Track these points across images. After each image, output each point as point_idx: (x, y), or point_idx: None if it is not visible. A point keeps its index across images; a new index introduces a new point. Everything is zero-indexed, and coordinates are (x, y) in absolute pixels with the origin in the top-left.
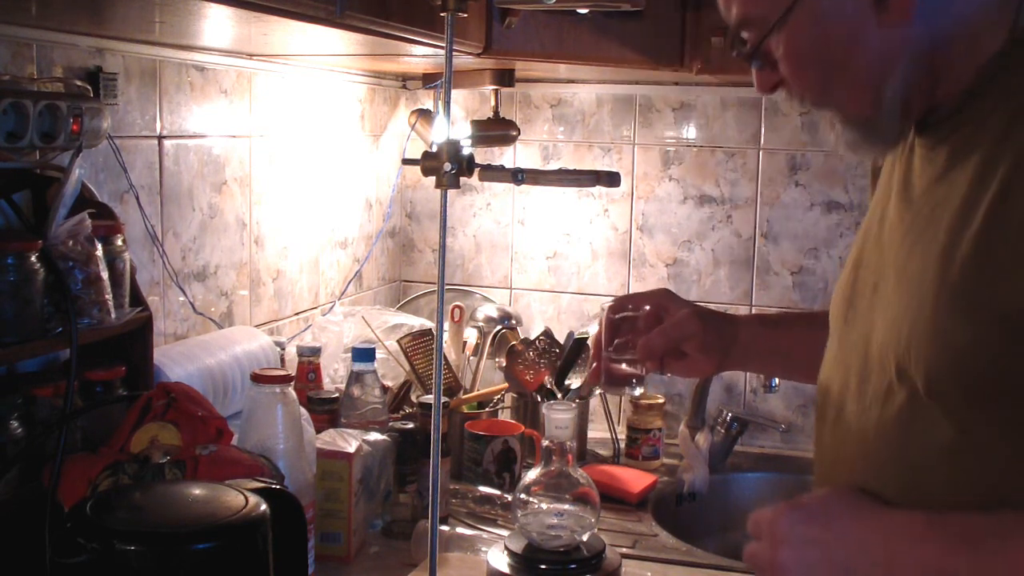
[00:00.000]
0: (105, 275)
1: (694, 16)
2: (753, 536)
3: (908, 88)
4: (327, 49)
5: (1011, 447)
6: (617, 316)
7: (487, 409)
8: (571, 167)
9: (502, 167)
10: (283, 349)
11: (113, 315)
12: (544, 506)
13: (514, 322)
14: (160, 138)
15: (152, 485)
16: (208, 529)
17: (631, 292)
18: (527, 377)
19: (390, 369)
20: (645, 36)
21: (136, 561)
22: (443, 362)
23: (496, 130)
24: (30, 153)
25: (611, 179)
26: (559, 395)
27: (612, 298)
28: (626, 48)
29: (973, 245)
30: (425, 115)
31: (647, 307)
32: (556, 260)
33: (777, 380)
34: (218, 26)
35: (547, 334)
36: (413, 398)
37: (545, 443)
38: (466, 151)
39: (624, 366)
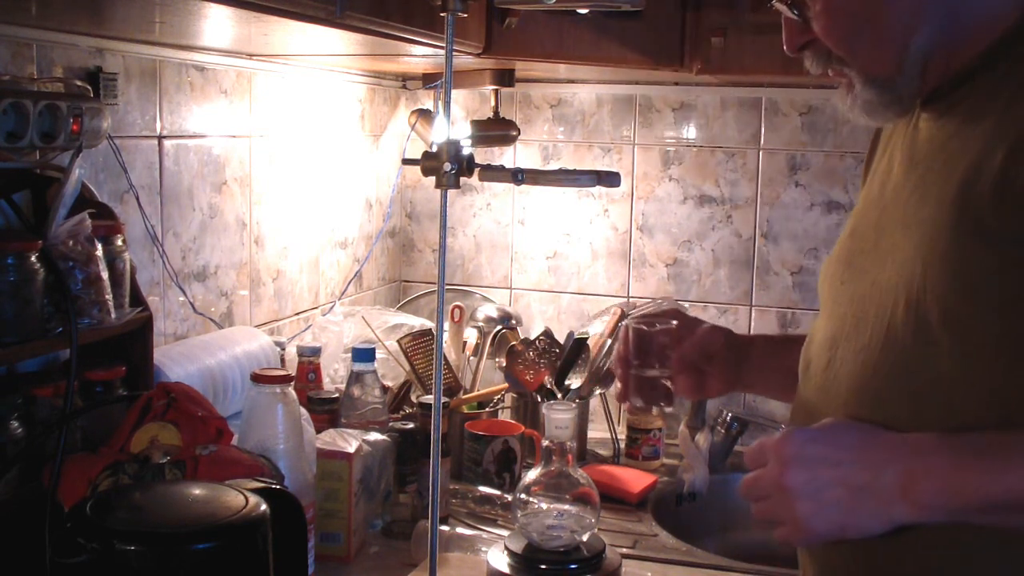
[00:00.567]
0: (105, 275)
1: (694, 16)
2: (752, 467)
3: (930, 49)
4: (327, 49)
5: (1014, 371)
6: (642, 328)
7: (487, 409)
8: (571, 167)
9: (502, 167)
10: (283, 349)
11: (113, 315)
12: (544, 506)
13: (514, 322)
14: (160, 138)
15: (152, 485)
16: (208, 529)
17: (640, 306)
18: (527, 377)
19: (390, 369)
20: (645, 36)
21: (136, 561)
22: (443, 362)
23: (496, 130)
24: (30, 153)
25: (611, 179)
26: (559, 395)
27: (629, 317)
28: (626, 48)
29: (991, 184)
30: (425, 115)
31: (674, 321)
32: (556, 260)
33: None
34: (218, 26)
35: (547, 334)
36: (413, 398)
37: (545, 443)
38: (466, 151)
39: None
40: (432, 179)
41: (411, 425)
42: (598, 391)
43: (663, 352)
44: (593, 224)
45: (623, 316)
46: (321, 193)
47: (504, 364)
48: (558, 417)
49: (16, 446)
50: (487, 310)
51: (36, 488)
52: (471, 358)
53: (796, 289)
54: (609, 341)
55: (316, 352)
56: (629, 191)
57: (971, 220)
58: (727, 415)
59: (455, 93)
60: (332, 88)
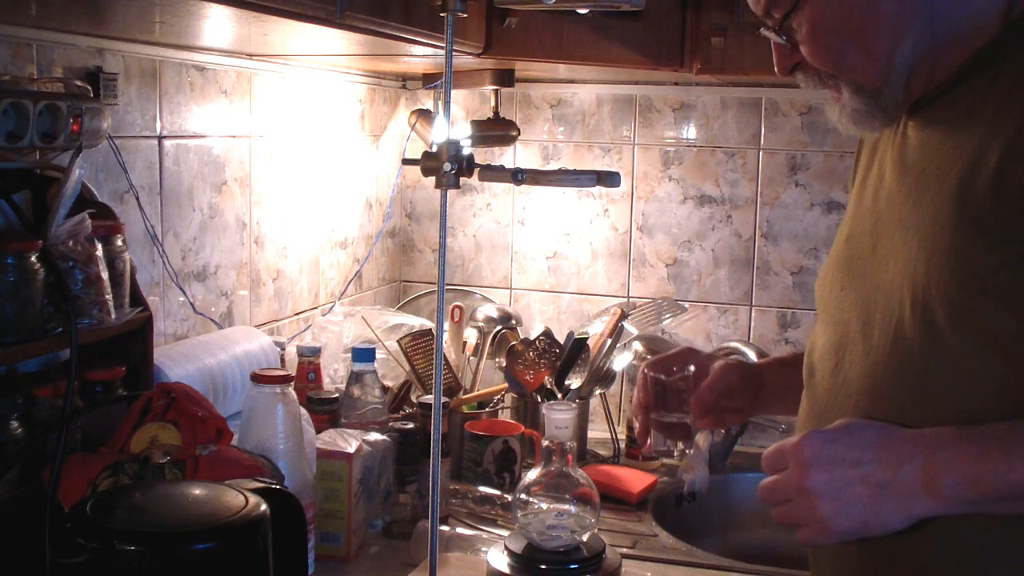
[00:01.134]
0: (105, 275)
1: (694, 16)
2: (770, 471)
3: (914, 60)
4: (327, 49)
5: (1023, 364)
6: (660, 378)
7: (487, 409)
8: (571, 167)
9: (502, 167)
10: (283, 349)
11: (113, 315)
12: (544, 506)
13: (514, 322)
14: (160, 138)
15: (152, 485)
16: (208, 529)
17: (660, 355)
18: (527, 377)
19: (390, 369)
20: (645, 36)
21: (136, 561)
22: (443, 362)
23: (496, 130)
24: (30, 153)
25: (611, 179)
26: (559, 395)
27: (646, 363)
28: (626, 48)
29: (989, 183)
30: (425, 115)
31: (691, 367)
32: (556, 260)
33: None
34: (218, 26)
35: (547, 334)
36: (413, 398)
37: (545, 443)
38: (466, 151)
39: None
40: (432, 179)
41: (411, 425)
42: (598, 391)
43: (681, 397)
44: (593, 224)
45: (623, 316)
46: (321, 193)
47: (504, 364)
48: (558, 417)
49: (16, 446)
50: (487, 310)
51: (36, 488)
52: (471, 358)
53: (796, 289)
54: (609, 341)
55: (316, 352)
56: (629, 191)
57: (971, 218)
58: None
59: (455, 93)
60: (332, 88)
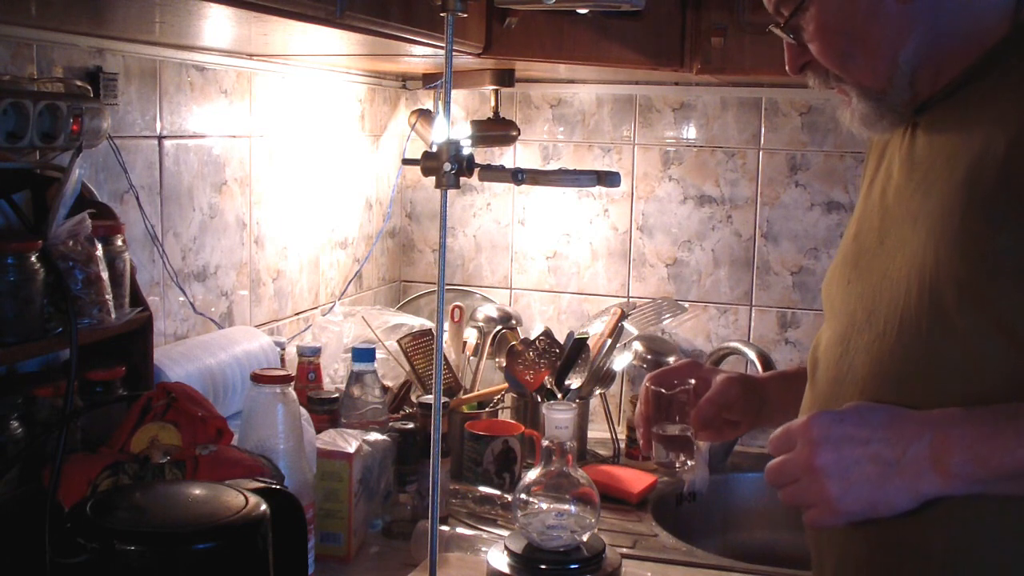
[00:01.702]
0: (105, 275)
1: (694, 16)
2: (777, 452)
3: (919, 62)
4: (327, 49)
5: None
6: (661, 392)
7: (487, 409)
8: (571, 167)
9: (502, 167)
10: (283, 349)
11: (113, 315)
12: (544, 506)
13: (514, 322)
14: (160, 138)
15: (152, 485)
16: (208, 529)
17: (664, 368)
18: (527, 377)
19: (390, 369)
20: (645, 36)
21: (136, 561)
22: (443, 362)
23: (496, 130)
24: (30, 153)
25: (611, 179)
26: (559, 395)
27: (649, 377)
28: (626, 48)
29: (996, 173)
30: (425, 115)
31: (692, 380)
32: (556, 260)
33: None
34: (218, 26)
35: (547, 334)
36: (413, 398)
37: (545, 443)
38: (466, 151)
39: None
40: (432, 179)
41: (411, 425)
42: (598, 391)
43: (683, 410)
44: (593, 224)
45: (623, 316)
46: (321, 193)
47: (504, 364)
48: (558, 417)
49: (16, 446)
50: (487, 310)
51: (36, 488)
52: (471, 358)
53: (796, 289)
54: (609, 341)
55: (316, 352)
56: (629, 191)
57: (979, 205)
58: None
59: (455, 93)
60: (332, 88)
